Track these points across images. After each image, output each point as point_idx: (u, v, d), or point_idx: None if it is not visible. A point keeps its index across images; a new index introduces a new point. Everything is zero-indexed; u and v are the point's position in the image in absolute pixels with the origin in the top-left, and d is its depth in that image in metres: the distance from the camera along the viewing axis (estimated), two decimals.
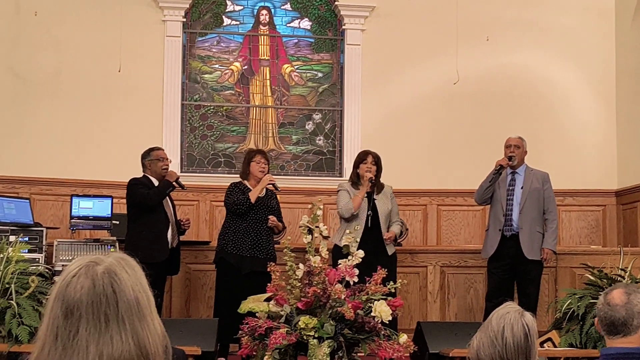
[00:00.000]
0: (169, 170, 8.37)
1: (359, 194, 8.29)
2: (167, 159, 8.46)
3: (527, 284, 8.28)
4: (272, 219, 8.22)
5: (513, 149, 8.52)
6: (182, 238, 8.95)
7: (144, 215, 8.21)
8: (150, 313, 1.79)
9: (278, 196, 8.63)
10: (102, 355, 1.72)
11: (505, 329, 3.02)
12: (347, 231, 6.95)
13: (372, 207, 8.33)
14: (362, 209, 8.28)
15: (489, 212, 8.68)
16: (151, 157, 8.43)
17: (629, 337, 3.59)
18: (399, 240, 9.37)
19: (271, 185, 8.32)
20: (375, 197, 8.35)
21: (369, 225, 8.22)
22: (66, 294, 1.75)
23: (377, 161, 8.45)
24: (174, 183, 8.27)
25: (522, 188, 8.45)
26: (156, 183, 8.27)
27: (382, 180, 8.49)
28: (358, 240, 8.05)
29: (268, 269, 6.46)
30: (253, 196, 8.20)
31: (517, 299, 8.11)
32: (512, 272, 8.35)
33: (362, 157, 8.51)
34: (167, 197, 8.36)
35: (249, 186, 8.30)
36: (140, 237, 8.11)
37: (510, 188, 8.46)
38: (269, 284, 6.38)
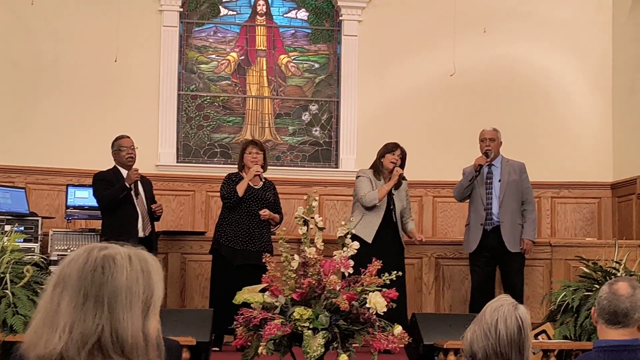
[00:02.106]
0: (133, 168, 8.28)
1: (385, 186, 8.31)
2: (130, 147, 8.37)
3: (512, 276, 8.35)
4: (264, 212, 8.19)
5: (488, 143, 8.53)
6: (177, 228, 8.99)
7: (110, 212, 8.25)
8: (144, 310, 1.79)
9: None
10: (72, 328, 1.74)
11: (499, 321, 3.03)
12: (343, 222, 6.94)
13: (392, 200, 8.39)
14: (383, 201, 8.31)
15: (468, 207, 8.68)
16: (115, 147, 8.41)
17: (626, 329, 3.61)
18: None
19: (257, 177, 8.29)
20: (393, 191, 8.39)
21: (393, 219, 8.27)
22: (62, 266, 1.81)
23: (403, 156, 8.47)
24: (129, 186, 8.19)
25: (499, 181, 8.47)
26: (125, 173, 8.24)
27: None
28: (374, 230, 8.13)
29: (263, 260, 6.46)
30: (240, 189, 8.19)
31: (502, 292, 8.15)
32: (494, 265, 8.42)
33: (390, 148, 8.49)
34: (141, 188, 8.33)
35: (244, 177, 8.31)
36: (110, 230, 8.18)
37: (488, 181, 8.47)
38: (263, 275, 6.38)
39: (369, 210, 8.26)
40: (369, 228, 8.14)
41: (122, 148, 8.34)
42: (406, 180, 8.50)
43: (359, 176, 8.52)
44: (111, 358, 1.75)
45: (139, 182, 8.33)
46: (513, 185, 8.48)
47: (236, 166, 8.62)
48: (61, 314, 1.76)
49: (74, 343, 1.74)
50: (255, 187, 8.29)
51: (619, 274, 6.96)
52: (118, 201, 8.14)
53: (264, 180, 8.42)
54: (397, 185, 8.42)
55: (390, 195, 8.35)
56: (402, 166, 8.45)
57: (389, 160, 8.39)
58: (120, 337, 1.74)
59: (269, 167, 11.17)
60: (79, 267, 1.79)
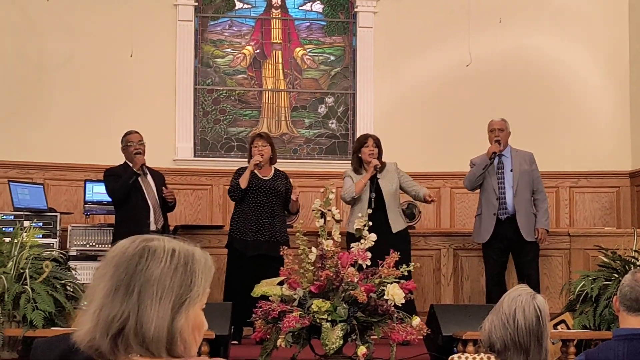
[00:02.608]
0: (137, 156, 8.32)
1: (362, 178, 8.29)
2: (137, 142, 8.39)
3: (527, 265, 8.33)
4: (294, 196, 8.23)
5: (497, 133, 8.50)
6: (195, 222, 9.00)
7: (121, 205, 8.30)
8: (176, 305, 1.79)
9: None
10: (100, 312, 1.77)
11: (517, 311, 3.02)
12: (360, 214, 6.94)
13: (376, 188, 8.32)
14: (364, 191, 8.28)
15: (479, 197, 8.65)
16: (123, 142, 8.45)
17: None
18: (412, 223, 9.37)
19: (265, 167, 8.30)
20: (378, 177, 8.33)
21: (372, 206, 8.21)
22: (108, 253, 1.85)
23: (377, 143, 8.44)
24: (138, 171, 8.24)
25: (511, 171, 8.45)
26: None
27: (390, 160, 8.50)
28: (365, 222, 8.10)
29: (281, 253, 6.47)
30: (243, 181, 8.22)
31: (517, 281, 8.14)
32: (507, 255, 8.41)
33: (362, 142, 8.49)
34: (151, 180, 8.36)
35: (255, 171, 8.32)
36: (121, 226, 8.27)
37: (499, 171, 8.45)
38: (281, 268, 6.40)
39: (353, 205, 8.29)
40: (355, 221, 8.11)
41: (129, 143, 8.38)
42: (378, 170, 8.39)
43: (344, 177, 8.54)
44: (132, 347, 1.76)
45: (148, 174, 8.37)
46: (525, 174, 8.47)
47: None
48: (95, 299, 1.79)
49: (100, 327, 1.77)
50: (265, 178, 8.29)
51: (638, 263, 6.94)
52: (129, 190, 8.19)
53: (261, 167, 8.34)
54: (380, 169, 8.37)
55: (374, 183, 8.29)
56: (380, 152, 8.42)
57: (366, 153, 8.38)
58: (143, 328, 1.75)
59: (285, 160, 11.24)
60: (119, 255, 1.82)
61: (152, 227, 8.18)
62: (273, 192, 8.24)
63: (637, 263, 6.95)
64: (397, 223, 8.31)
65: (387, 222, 8.24)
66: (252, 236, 8.08)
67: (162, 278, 1.79)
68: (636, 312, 3.62)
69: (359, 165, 8.44)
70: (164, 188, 8.39)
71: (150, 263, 1.80)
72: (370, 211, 7.64)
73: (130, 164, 8.31)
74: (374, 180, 8.30)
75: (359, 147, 8.48)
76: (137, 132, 8.51)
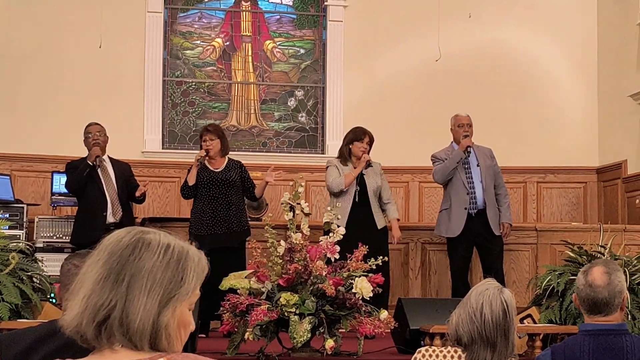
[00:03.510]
0: (93, 148, 8.29)
1: (352, 172, 8.26)
2: (97, 132, 8.36)
3: (494, 259, 8.38)
4: (269, 177, 8.19)
5: (466, 128, 8.54)
6: (163, 214, 8.98)
7: (79, 197, 8.32)
8: (164, 299, 1.78)
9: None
10: (89, 299, 1.77)
11: (484, 305, 3.03)
12: (329, 208, 6.94)
13: (361, 182, 8.31)
14: (351, 185, 8.27)
15: (445, 191, 8.65)
16: (84, 134, 8.42)
17: (610, 316, 3.61)
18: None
19: (198, 163, 8.27)
20: (364, 171, 8.33)
21: (357, 200, 8.21)
22: (103, 241, 1.84)
23: (371, 142, 8.43)
24: (92, 163, 8.21)
25: (478, 165, 8.48)
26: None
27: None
28: (346, 215, 8.09)
29: (248, 246, 6.46)
30: (190, 178, 8.21)
31: (482, 275, 8.19)
32: (472, 250, 8.46)
33: (359, 136, 8.41)
34: (111, 171, 8.34)
35: (206, 164, 8.29)
36: (77, 219, 8.29)
37: (466, 166, 8.48)
38: (249, 261, 6.39)
39: (337, 197, 8.24)
40: (340, 213, 8.10)
41: (88, 135, 8.35)
42: (371, 166, 8.42)
43: (328, 166, 8.48)
44: (114, 337, 1.76)
45: (109, 166, 8.34)
46: (490, 170, 8.53)
47: None
48: (85, 285, 1.79)
49: (87, 314, 1.76)
50: (216, 170, 8.25)
51: (604, 259, 6.98)
52: (84, 182, 8.18)
53: (201, 163, 8.30)
54: (366, 165, 8.38)
55: (359, 176, 8.30)
56: (369, 151, 8.42)
57: (358, 148, 8.34)
58: (129, 318, 1.75)
59: (255, 153, 11.22)
60: (113, 243, 1.81)
61: (110, 219, 8.16)
62: (226, 184, 8.18)
63: (603, 258, 7.00)
64: (380, 219, 8.33)
65: (372, 217, 8.25)
66: (209, 230, 8.03)
67: (153, 271, 1.78)
68: (598, 315, 3.63)
69: (347, 156, 8.41)
70: (142, 187, 8.35)
71: (144, 254, 1.80)
72: (339, 205, 7.66)
73: None
74: (359, 175, 8.30)
75: (353, 139, 8.42)
76: (97, 124, 8.45)
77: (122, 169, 8.51)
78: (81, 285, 1.80)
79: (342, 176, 8.26)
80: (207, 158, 8.26)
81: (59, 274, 3.51)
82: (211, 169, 8.24)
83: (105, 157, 8.43)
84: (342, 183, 8.22)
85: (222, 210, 8.11)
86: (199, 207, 8.21)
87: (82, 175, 8.16)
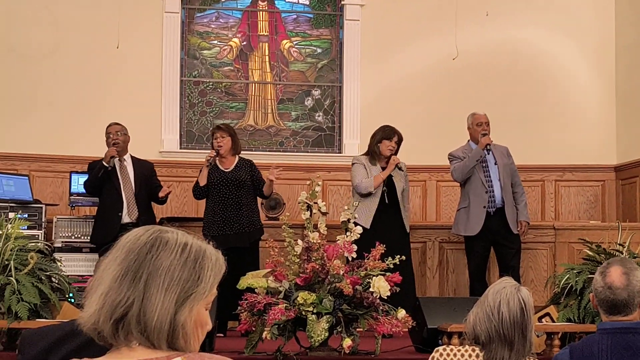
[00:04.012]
0: (110, 148, 8.35)
1: (382, 174, 8.22)
2: (117, 132, 8.44)
3: (511, 258, 8.37)
4: (272, 176, 8.15)
5: (485, 127, 8.52)
6: (181, 214, 9.04)
7: (98, 197, 8.46)
8: (181, 298, 1.79)
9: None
10: (107, 297, 1.78)
11: (502, 303, 3.03)
12: (346, 207, 6.94)
13: (389, 183, 8.28)
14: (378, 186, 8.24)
15: (463, 190, 8.63)
16: (105, 134, 8.49)
17: (629, 315, 3.60)
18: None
19: (208, 164, 8.27)
20: (392, 173, 8.30)
21: (386, 201, 8.19)
22: (122, 239, 1.85)
23: (399, 141, 8.39)
24: (107, 164, 8.26)
25: (495, 164, 8.47)
26: (116, 159, 8.36)
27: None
28: (371, 215, 8.09)
29: (266, 245, 6.47)
30: (201, 178, 8.24)
31: (499, 274, 8.19)
32: (490, 248, 8.45)
33: (388, 134, 8.36)
34: (130, 172, 8.39)
35: (217, 164, 8.31)
36: (95, 219, 8.42)
37: (484, 165, 8.46)
38: (267, 260, 6.40)
39: (364, 196, 8.21)
40: (366, 213, 8.09)
41: (108, 135, 8.44)
42: (402, 170, 8.40)
43: (354, 163, 8.43)
44: (132, 334, 1.77)
45: (128, 165, 8.39)
46: (507, 168, 8.53)
47: None
48: (103, 282, 1.80)
49: (105, 311, 1.78)
50: (226, 170, 8.25)
51: (620, 257, 6.95)
52: (100, 182, 8.27)
53: (210, 164, 8.29)
54: (395, 168, 8.35)
55: (387, 178, 8.28)
56: (397, 151, 8.39)
57: (386, 146, 8.30)
58: (146, 316, 1.76)
59: (272, 153, 11.23)
60: (132, 241, 1.83)
61: (125, 219, 8.21)
62: (236, 183, 8.17)
63: (619, 257, 6.97)
64: (407, 223, 8.33)
65: (400, 219, 8.23)
66: (220, 230, 8.03)
67: (170, 269, 1.80)
68: (617, 315, 3.61)
69: (376, 155, 8.37)
70: (165, 188, 8.38)
71: (161, 253, 1.81)
72: (357, 204, 7.66)
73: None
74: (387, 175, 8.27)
75: (382, 137, 8.37)
76: (117, 124, 8.53)
77: (143, 168, 8.55)
78: (99, 283, 1.81)
79: (371, 178, 8.21)
80: (218, 158, 8.28)
81: (78, 273, 3.53)
82: (222, 168, 8.26)
83: (127, 156, 8.50)
84: (371, 185, 8.18)
85: (233, 210, 8.12)
86: (210, 207, 8.24)
87: (96, 176, 8.26)
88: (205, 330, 1.87)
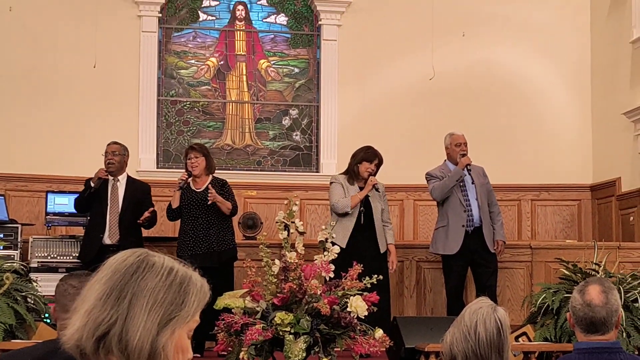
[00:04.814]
0: (100, 169, 8.35)
1: (359, 194, 8.21)
2: (112, 152, 8.42)
3: (489, 276, 8.38)
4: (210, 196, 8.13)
5: (463, 147, 8.55)
6: (158, 233, 8.97)
7: (82, 211, 8.53)
8: (163, 320, 1.79)
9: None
10: (90, 315, 1.78)
11: (478, 323, 3.03)
12: (323, 227, 6.94)
13: (365, 203, 8.27)
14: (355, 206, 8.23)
15: (440, 209, 8.64)
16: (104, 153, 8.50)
17: (606, 335, 3.61)
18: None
19: (178, 188, 8.27)
20: (369, 193, 8.29)
21: (362, 222, 8.18)
22: (109, 259, 1.84)
23: (379, 164, 8.39)
24: (92, 184, 8.26)
25: (473, 183, 8.50)
26: (111, 178, 8.34)
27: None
28: (347, 235, 8.08)
29: (244, 265, 6.45)
30: (174, 200, 8.25)
31: (475, 293, 8.21)
32: (467, 268, 8.47)
33: (369, 157, 8.33)
34: (120, 193, 8.36)
35: (190, 185, 8.31)
36: (83, 238, 8.44)
37: (462, 184, 8.49)
38: (244, 280, 6.38)
39: (341, 216, 8.21)
40: (342, 233, 8.08)
41: (106, 154, 8.42)
42: (379, 191, 8.39)
43: (332, 182, 8.43)
44: (112, 353, 1.77)
45: (120, 186, 8.35)
46: (484, 188, 8.56)
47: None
48: (87, 300, 1.80)
49: (88, 328, 1.77)
50: (197, 190, 8.25)
51: (598, 276, 6.99)
52: (87, 201, 8.28)
53: (182, 187, 8.29)
54: (372, 189, 8.34)
55: (365, 198, 8.27)
56: (375, 173, 8.38)
57: (365, 168, 8.29)
58: (128, 335, 1.76)
59: (249, 172, 11.23)
60: (119, 261, 1.83)
61: (106, 241, 8.16)
62: (205, 204, 8.17)
63: (597, 276, 7.01)
64: (383, 244, 8.31)
65: (375, 241, 8.21)
66: (190, 251, 8.02)
67: (155, 290, 1.80)
68: (594, 334, 3.62)
69: (354, 175, 8.36)
70: (146, 213, 8.29)
71: (147, 275, 1.81)
72: (334, 224, 7.65)
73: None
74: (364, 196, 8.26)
75: (362, 159, 8.35)
76: (115, 144, 8.53)
77: (136, 190, 8.48)
78: (84, 301, 1.81)
79: (348, 198, 8.21)
80: (191, 178, 8.27)
81: (53, 294, 3.51)
82: (193, 189, 8.27)
83: (122, 176, 8.44)
84: (348, 205, 8.17)
85: (202, 230, 8.13)
86: (182, 227, 8.28)
87: (82, 196, 8.29)
88: (187, 358, 1.87)
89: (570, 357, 3.67)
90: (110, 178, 8.35)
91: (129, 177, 8.54)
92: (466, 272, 8.51)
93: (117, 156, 8.39)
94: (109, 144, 8.53)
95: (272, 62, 11.83)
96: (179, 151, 11.42)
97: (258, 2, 11.90)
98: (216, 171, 8.60)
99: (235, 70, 11.74)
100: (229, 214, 8.25)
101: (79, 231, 9.16)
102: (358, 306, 6.11)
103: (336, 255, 6.49)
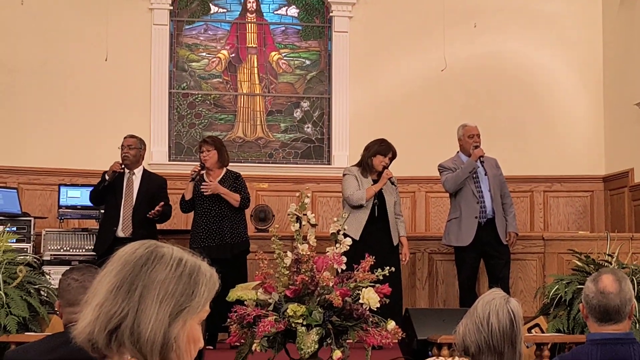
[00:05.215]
0: (114, 162, 8.37)
1: (374, 187, 8.21)
2: (128, 146, 8.42)
3: (501, 268, 8.38)
4: (206, 186, 8.14)
5: (476, 139, 8.53)
6: (171, 226, 9.00)
7: (97, 204, 8.58)
8: (174, 311, 1.79)
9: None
10: (101, 308, 1.79)
11: (491, 315, 3.03)
12: (335, 219, 6.93)
13: (379, 196, 8.27)
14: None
15: (453, 200, 8.63)
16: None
17: (619, 324, 3.60)
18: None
19: (206, 173, 8.30)
20: (383, 186, 8.30)
21: (376, 214, 8.18)
22: (118, 252, 1.86)
23: (393, 158, 8.39)
24: (107, 177, 8.29)
25: (486, 175, 8.48)
26: (127, 172, 8.36)
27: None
28: (361, 227, 8.09)
29: (255, 257, 6.46)
30: (186, 192, 8.27)
31: (488, 285, 8.20)
32: (480, 260, 8.46)
33: (384, 151, 8.33)
34: (135, 186, 8.37)
35: (204, 177, 8.33)
36: (98, 230, 8.51)
37: (475, 176, 8.48)
38: (256, 273, 6.39)
39: (355, 208, 8.22)
40: (355, 225, 8.08)
41: (122, 147, 8.43)
42: (394, 184, 8.40)
43: (346, 174, 8.43)
44: (124, 346, 1.77)
45: (136, 179, 8.36)
46: (496, 179, 8.55)
47: None
48: (98, 294, 1.81)
49: (100, 322, 1.78)
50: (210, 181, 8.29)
51: (611, 267, 6.97)
52: (101, 193, 8.32)
53: (195, 179, 8.30)
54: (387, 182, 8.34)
55: (378, 190, 8.27)
56: (388, 166, 8.38)
57: (379, 161, 8.29)
58: (140, 327, 1.77)
59: (261, 164, 11.24)
60: (128, 254, 1.84)
61: (120, 234, 8.19)
62: (217, 196, 8.19)
63: (610, 267, 6.99)
64: (396, 237, 8.31)
65: (388, 233, 8.22)
66: (203, 243, 8.05)
67: (165, 282, 1.80)
68: (608, 323, 3.61)
69: (368, 168, 8.36)
70: (157, 207, 8.26)
71: (157, 266, 1.82)
72: (346, 215, 7.63)
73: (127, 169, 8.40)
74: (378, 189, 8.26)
75: (376, 152, 8.36)
76: (132, 137, 8.53)
77: (152, 184, 8.47)
78: (94, 294, 1.82)
79: (363, 190, 8.21)
80: (205, 170, 8.29)
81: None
82: (207, 181, 8.28)
83: (139, 169, 8.45)
84: (363, 197, 8.18)
85: (215, 222, 8.15)
86: (195, 220, 8.31)
87: (97, 189, 8.32)
88: (198, 347, 1.87)
89: (583, 348, 3.66)
90: (126, 171, 8.37)
91: (145, 171, 8.55)
92: (479, 264, 8.50)
93: (132, 149, 8.39)
94: (125, 137, 8.53)
95: (283, 54, 11.82)
96: (191, 144, 11.43)
97: None
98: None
99: (246, 62, 11.74)
100: (239, 206, 8.26)
101: (92, 224, 9.19)
102: (370, 298, 6.11)
103: (348, 248, 6.49)
